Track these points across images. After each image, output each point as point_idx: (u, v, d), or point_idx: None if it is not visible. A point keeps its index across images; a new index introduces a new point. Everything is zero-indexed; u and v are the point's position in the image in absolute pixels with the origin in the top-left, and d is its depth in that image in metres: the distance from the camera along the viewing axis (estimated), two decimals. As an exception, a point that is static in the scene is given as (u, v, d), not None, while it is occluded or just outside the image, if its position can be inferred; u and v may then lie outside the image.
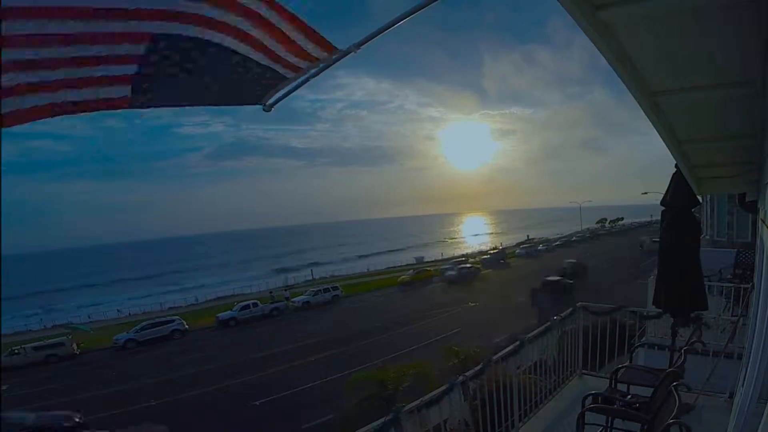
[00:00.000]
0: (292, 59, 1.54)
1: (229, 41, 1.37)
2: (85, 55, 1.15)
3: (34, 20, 1.02)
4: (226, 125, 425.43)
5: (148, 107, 1.43)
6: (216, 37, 1.34)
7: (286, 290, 40.57)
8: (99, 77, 1.22)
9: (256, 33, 1.40)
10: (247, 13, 1.34)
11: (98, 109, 1.31)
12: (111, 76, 1.25)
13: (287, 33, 1.45)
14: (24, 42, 1.03)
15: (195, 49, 1.33)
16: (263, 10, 1.36)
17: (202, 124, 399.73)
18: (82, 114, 1.27)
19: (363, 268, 60.25)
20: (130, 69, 1.27)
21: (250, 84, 1.60)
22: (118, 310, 42.86)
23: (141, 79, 1.31)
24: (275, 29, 1.42)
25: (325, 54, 1.58)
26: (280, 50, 1.49)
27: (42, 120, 1.16)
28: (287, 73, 1.58)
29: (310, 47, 1.53)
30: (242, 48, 1.42)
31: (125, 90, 1.32)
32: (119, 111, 1.37)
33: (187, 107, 1.57)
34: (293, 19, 1.43)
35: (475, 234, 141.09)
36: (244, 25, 1.37)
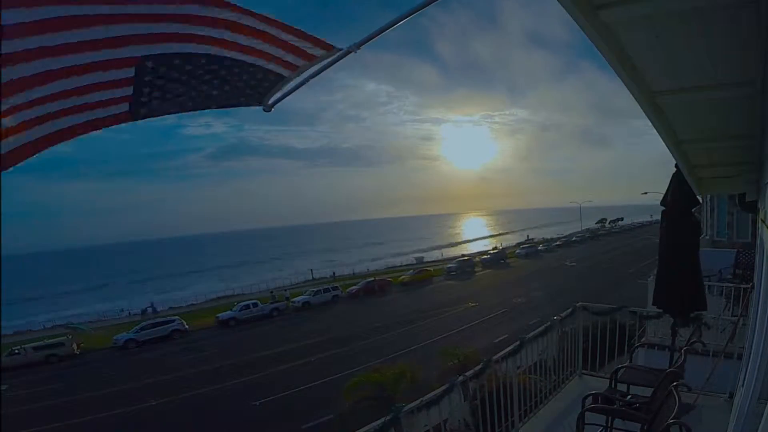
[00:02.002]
0: (288, 57, 1.54)
1: (217, 50, 1.41)
2: (78, 85, 1.19)
3: (28, 62, 1.06)
4: (228, 126, 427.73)
5: (150, 117, 1.45)
6: (204, 48, 1.38)
7: (286, 290, 40.58)
8: (95, 102, 1.25)
9: (244, 41, 1.44)
10: (233, 26, 1.39)
11: (99, 128, 1.33)
12: (106, 99, 1.28)
13: (277, 36, 1.47)
14: (20, 85, 1.06)
15: (186, 62, 1.37)
16: (249, 21, 1.40)
17: (205, 125, 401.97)
18: (83, 135, 1.29)
19: (363, 269, 60.23)
20: (126, 91, 1.31)
21: (248, 86, 1.60)
22: (121, 310, 42.92)
23: (138, 95, 1.34)
24: (264, 34, 1.45)
25: (323, 51, 1.58)
26: (273, 51, 1.51)
27: (42, 151, 1.17)
28: (284, 71, 1.58)
29: (306, 45, 1.54)
30: (233, 54, 1.45)
31: (123, 107, 1.35)
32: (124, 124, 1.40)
33: (189, 112, 1.58)
34: (282, 25, 1.46)
35: (474, 234, 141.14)
36: (231, 35, 1.40)
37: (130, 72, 1.28)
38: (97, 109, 1.28)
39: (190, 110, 1.56)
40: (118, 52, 1.21)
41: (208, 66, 1.43)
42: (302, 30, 1.51)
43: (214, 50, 1.40)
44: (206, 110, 1.62)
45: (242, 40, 1.44)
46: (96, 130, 1.33)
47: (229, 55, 1.44)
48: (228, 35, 1.40)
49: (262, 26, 1.44)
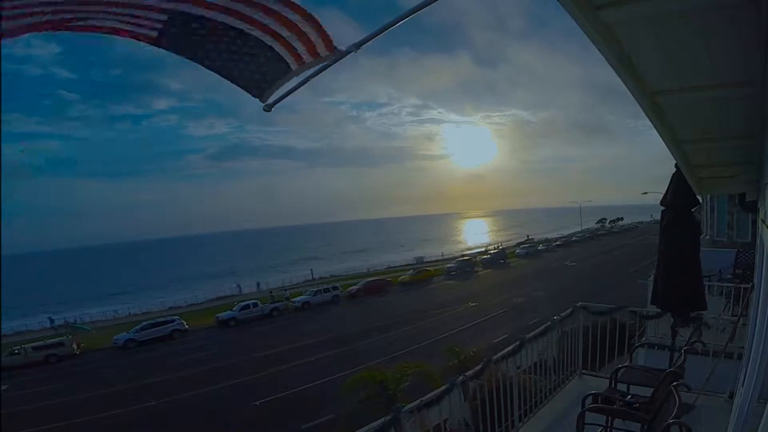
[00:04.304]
0: (300, 49, 1.55)
1: (242, 25, 1.44)
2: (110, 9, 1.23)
3: None
4: (230, 127, 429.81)
5: (170, 50, 1.47)
6: (231, 21, 1.42)
7: (286, 290, 40.56)
8: (127, 17, 1.29)
9: (269, 21, 1.46)
10: (261, 7, 1.41)
11: (124, 36, 1.35)
12: (139, 18, 1.32)
13: (299, 25, 1.49)
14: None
15: (212, 25, 1.41)
16: (277, 5, 1.42)
17: (207, 126, 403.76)
18: (103, 34, 1.31)
19: (363, 268, 60.21)
20: (158, 22, 1.35)
21: (257, 70, 1.61)
22: (127, 311, 42.86)
23: (167, 28, 1.37)
24: (288, 21, 1.47)
25: (328, 53, 1.58)
26: (292, 38, 1.51)
27: (57, 31, 1.18)
28: (292, 63, 1.59)
29: (318, 43, 1.55)
30: (256, 32, 1.47)
31: (152, 32, 1.38)
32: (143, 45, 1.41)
33: (204, 66, 1.59)
34: (306, 14, 1.47)
35: (474, 234, 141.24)
36: (257, 14, 1.43)
37: (162, 15, 1.33)
38: (128, 21, 1.31)
39: (204, 66, 1.58)
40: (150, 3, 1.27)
41: (231, 35, 1.46)
42: (320, 23, 1.52)
43: (241, 25, 1.43)
44: (215, 74, 1.63)
45: (268, 20, 1.46)
46: (120, 35, 1.34)
47: (253, 32, 1.46)
48: (255, 14, 1.43)
49: (287, 12, 1.46)
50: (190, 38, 1.45)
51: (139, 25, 1.34)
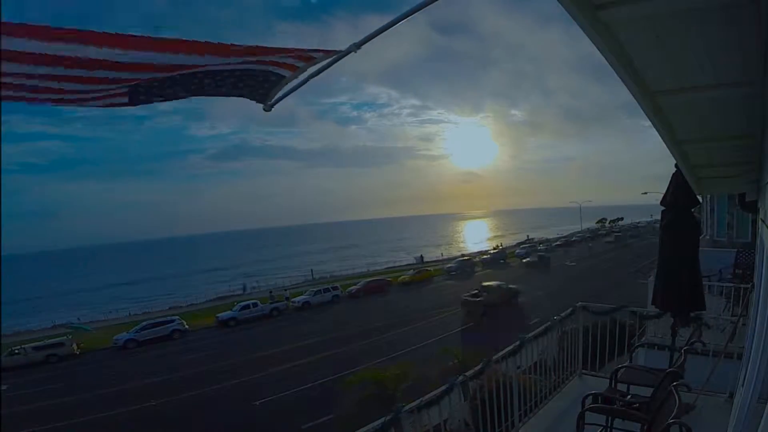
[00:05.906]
0: (287, 60, 1.55)
1: (217, 65, 1.43)
2: (81, 73, 1.21)
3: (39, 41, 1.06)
4: (231, 127, 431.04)
5: (149, 102, 1.46)
6: (202, 67, 1.41)
7: (285, 290, 40.55)
8: (98, 81, 1.26)
9: (243, 53, 1.48)
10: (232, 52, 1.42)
11: (96, 105, 1.34)
12: (103, 89, 1.30)
13: (275, 47, 1.50)
14: (26, 59, 1.07)
15: (183, 75, 1.39)
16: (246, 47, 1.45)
17: (209, 127, 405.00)
18: (78, 105, 1.30)
19: (363, 268, 60.18)
20: (121, 89, 1.34)
21: (249, 85, 1.61)
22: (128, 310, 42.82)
23: (137, 85, 1.35)
24: (262, 49, 1.48)
25: (321, 54, 1.58)
26: (272, 57, 1.52)
27: (38, 104, 1.20)
28: (284, 72, 1.59)
29: (303, 51, 1.55)
30: (233, 65, 1.48)
31: (122, 98, 1.36)
32: (123, 107, 1.41)
33: (191, 97, 1.58)
34: (279, 47, 1.49)
35: (474, 234, 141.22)
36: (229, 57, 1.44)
37: (123, 87, 1.31)
38: (99, 85, 1.30)
39: (191, 96, 1.57)
40: (112, 74, 1.24)
41: (207, 71, 1.45)
42: (301, 48, 1.53)
43: (212, 66, 1.42)
44: (208, 97, 1.62)
45: (241, 52, 1.46)
46: (91, 105, 1.34)
47: (229, 66, 1.46)
48: (227, 59, 1.43)
49: (257, 47, 1.47)
50: (174, 87, 1.45)
51: (112, 95, 1.34)
